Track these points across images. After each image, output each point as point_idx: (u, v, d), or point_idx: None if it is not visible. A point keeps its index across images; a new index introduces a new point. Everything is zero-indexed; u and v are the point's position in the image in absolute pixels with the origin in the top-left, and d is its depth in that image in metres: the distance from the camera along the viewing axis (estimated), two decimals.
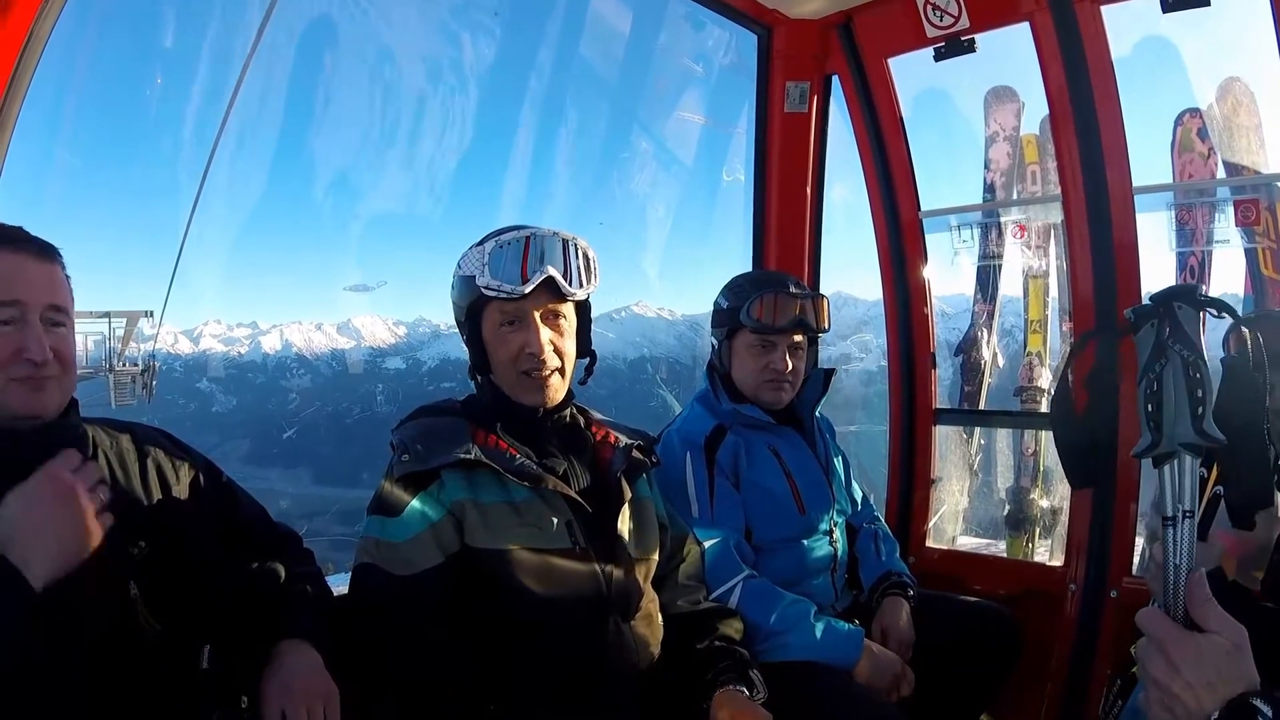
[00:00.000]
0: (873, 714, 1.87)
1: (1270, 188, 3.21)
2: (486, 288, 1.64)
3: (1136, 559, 2.60)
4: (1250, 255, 3.28)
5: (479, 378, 1.78)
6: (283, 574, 1.59)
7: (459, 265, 1.72)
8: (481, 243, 1.68)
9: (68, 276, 1.41)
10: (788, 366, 2.23)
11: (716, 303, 2.34)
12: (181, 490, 1.51)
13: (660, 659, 1.76)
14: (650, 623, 1.77)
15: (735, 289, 2.30)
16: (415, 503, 1.61)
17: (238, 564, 1.56)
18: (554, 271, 1.65)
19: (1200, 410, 1.83)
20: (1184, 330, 1.86)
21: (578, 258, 1.69)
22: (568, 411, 1.80)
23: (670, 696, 1.73)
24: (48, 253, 1.38)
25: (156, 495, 1.46)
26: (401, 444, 1.68)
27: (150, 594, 1.33)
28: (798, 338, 2.26)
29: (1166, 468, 1.81)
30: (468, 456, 1.61)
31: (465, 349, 1.79)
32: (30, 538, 1.18)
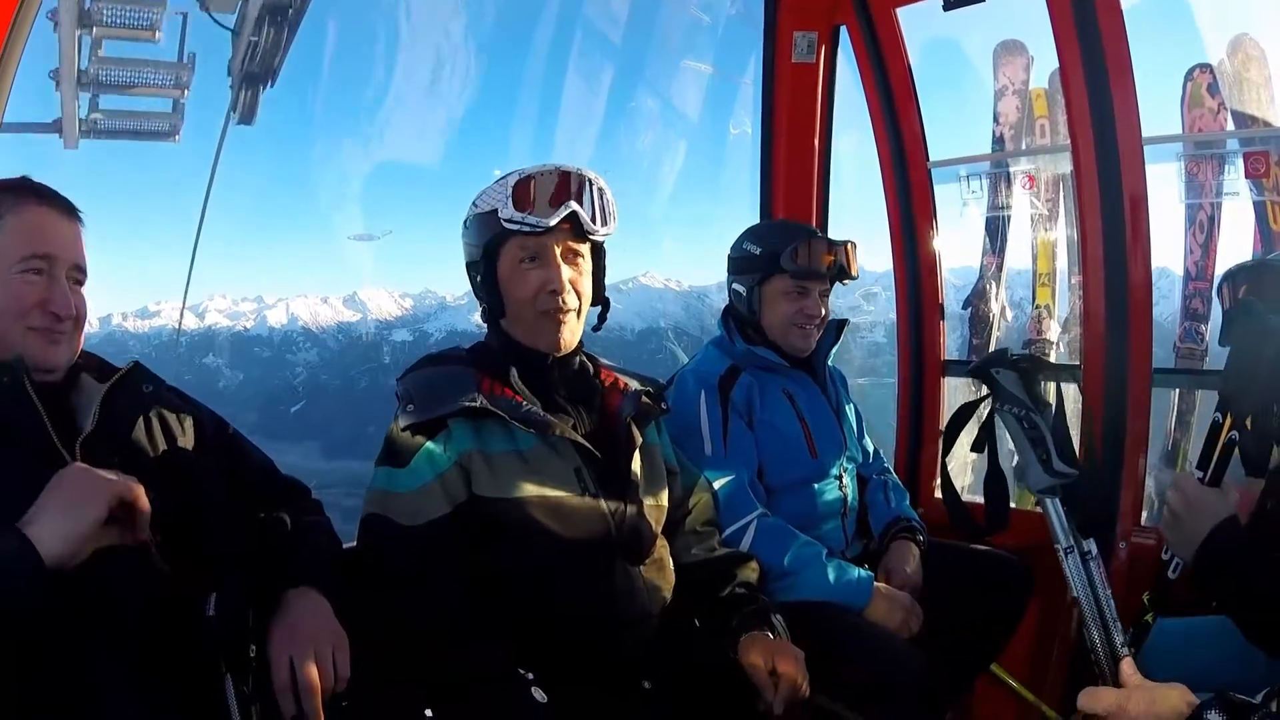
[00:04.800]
0: (887, 652, 1.88)
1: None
2: (509, 220, 1.62)
3: (1145, 512, 2.62)
4: (1259, 209, 3.26)
5: (490, 322, 1.77)
6: (290, 523, 1.58)
7: (475, 204, 1.70)
8: (504, 178, 1.65)
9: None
10: (820, 311, 2.27)
11: (744, 249, 2.33)
12: (188, 440, 1.50)
13: (673, 604, 1.76)
14: (661, 568, 1.77)
15: (766, 236, 2.31)
16: (422, 453, 1.60)
17: (246, 513, 1.55)
18: (578, 207, 1.64)
19: (1045, 455, 2.01)
20: (1008, 391, 2.06)
21: (600, 197, 1.68)
22: (577, 359, 1.78)
23: (690, 643, 1.74)
24: (72, 212, 1.40)
25: (162, 445, 1.46)
26: (407, 394, 1.67)
27: (159, 542, 1.32)
28: (826, 285, 2.30)
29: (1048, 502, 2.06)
30: (474, 405, 1.59)
31: (476, 297, 1.76)
32: (51, 520, 1.17)
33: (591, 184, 1.66)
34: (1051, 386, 2.26)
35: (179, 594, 1.32)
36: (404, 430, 1.63)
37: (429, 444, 1.60)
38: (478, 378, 1.67)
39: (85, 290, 1.42)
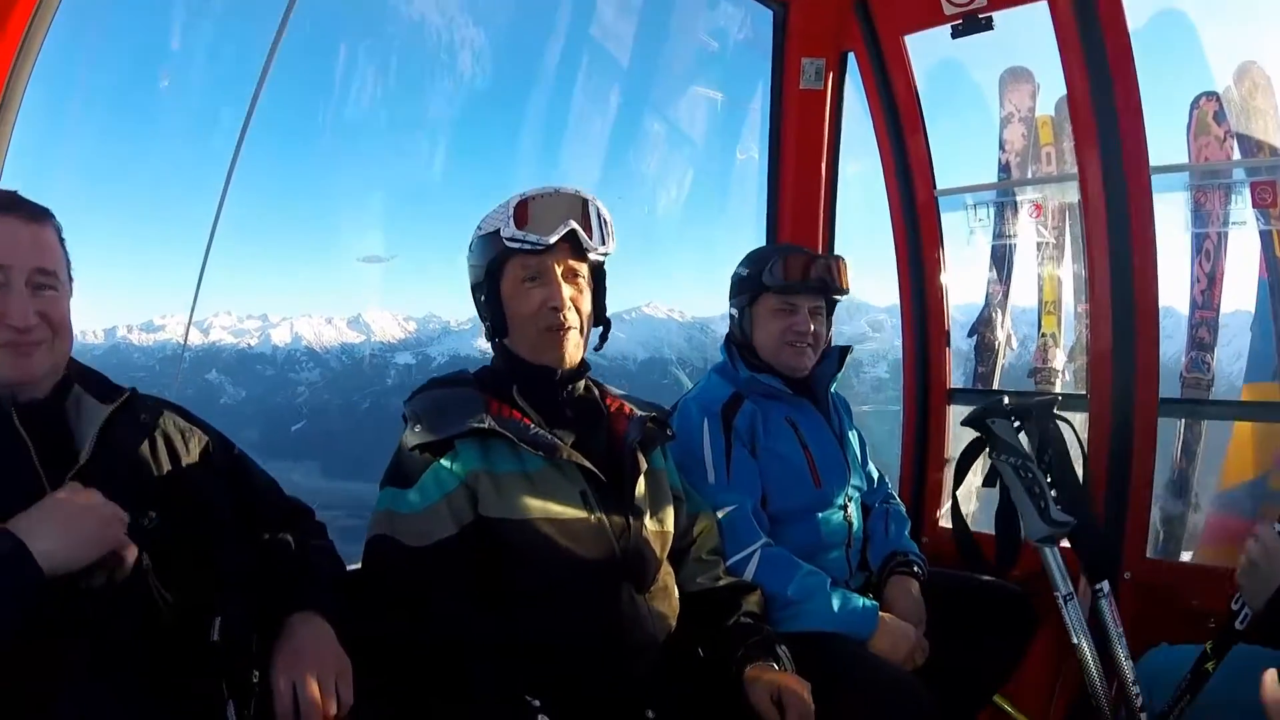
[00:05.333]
0: (892, 684, 1.85)
1: None
2: (511, 239, 1.65)
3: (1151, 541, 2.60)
4: (1265, 237, 3.27)
5: (495, 342, 1.79)
6: (294, 546, 1.57)
7: (479, 227, 1.73)
8: (505, 202, 1.69)
9: (62, 240, 1.39)
10: (810, 327, 2.25)
11: (736, 274, 2.35)
12: (192, 460, 1.49)
13: (678, 633, 1.75)
14: (667, 596, 1.76)
15: (754, 258, 2.33)
16: (429, 473, 1.60)
17: (250, 535, 1.54)
18: (577, 225, 1.68)
19: (1043, 505, 2.02)
20: (1003, 441, 2.07)
21: (599, 217, 1.72)
22: (583, 383, 1.80)
23: (693, 673, 1.72)
24: (37, 214, 1.34)
25: (166, 466, 1.44)
26: (415, 414, 1.68)
27: (161, 565, 1.31)
28: (819, 303, 2.28)
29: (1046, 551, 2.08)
30: (481, 426, 1.60)
31: (480, 317, 1.79)
32: (45, 531, 1.16)
33: (590, 204, 1.71)
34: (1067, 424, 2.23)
35: (182, 617, 1.31)
36: (412, 450, 1.63)
37: (436, 464, 1.61)
38: (485, 400, 1.69)
39: (77, 297, 1.39)
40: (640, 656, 1.66)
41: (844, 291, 2.31)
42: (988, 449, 2.18)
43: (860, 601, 2.04)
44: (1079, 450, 2.24)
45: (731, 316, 2.36)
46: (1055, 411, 2.18)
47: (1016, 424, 2.16)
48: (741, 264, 2.35)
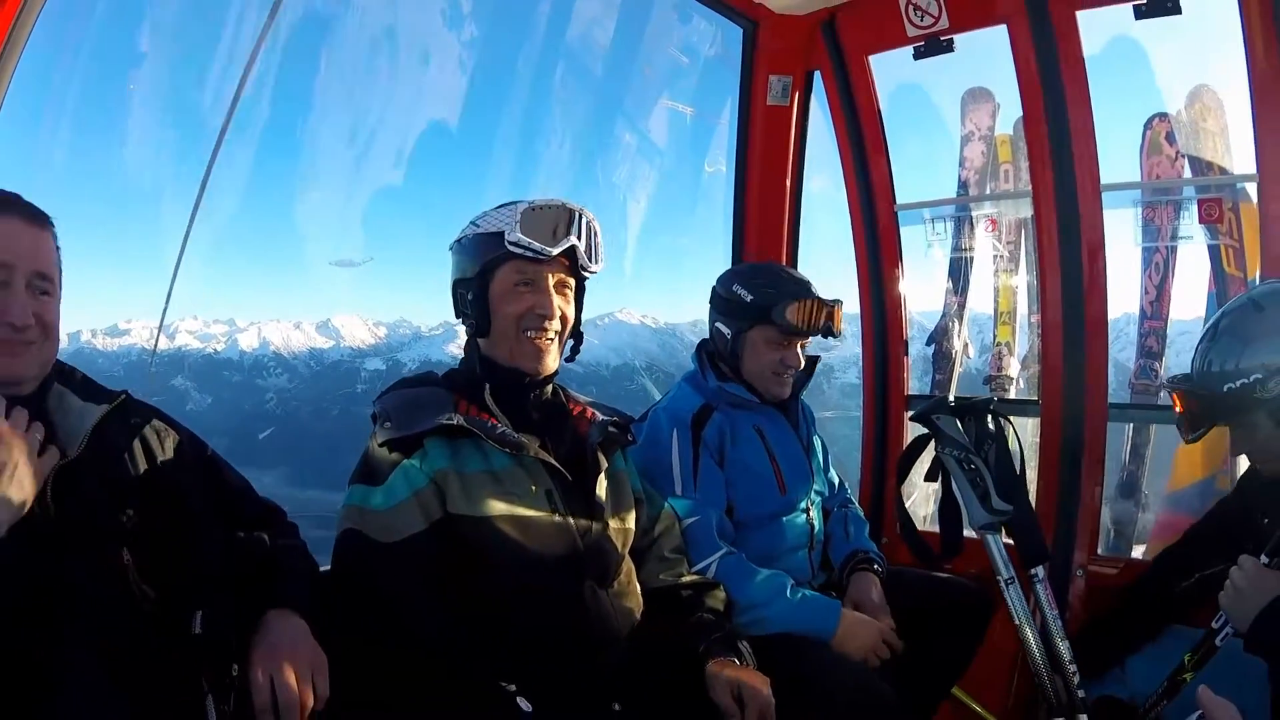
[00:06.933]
0: (854, 681, 1.90)
1: (1234, 189, 3.32)
2: (515, 244, 1.69)
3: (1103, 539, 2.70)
4: (1214, 252, 3.40)
5: (470, 342, 1.83)
6: (269, 544, 1.60)
7: (476, 224, 1.78)
8: (508, 205, 1.75)
9: (58, 247, 1.42)
10: (800, 362, 2.33)
11: (734, 292, 2.32)
12: (168, 459, 1.51)
13: (642, 629, 1.79)
14: (630, 593, 1.82)
15: (758, 284, 2.31)
16: (399, 470, 1.64)
17: (226, 533, 1.56)
18: (579, 243, 1.74)
19: (984, 494, 2.16)
20: (947, 435, 2.21)
21: (595, 237, 1.79)
22: (550, 388, 1.85)
23: (657, 668, 1.76)
24: (39, 219, 1.38)
25: (144, 464, 1.46)
26: (384, 412, 1.71)
27: (142, 561, 1.33)
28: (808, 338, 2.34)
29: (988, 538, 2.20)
30: (450, 422, 1.64)
31: (460, 314, 1.82)
32: None
33: (590, 224, 1.78)
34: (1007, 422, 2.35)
35: (162, 612, 1.33)
36: (381, 446, 1.66)
37: (405, 462, 1.64)
38: (454, 399, 1.74)
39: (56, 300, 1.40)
40: (605, 651, 1.70)
41: (838, 334, 2.37)
42: (933, 443, 2.28)
43: (822, 600, 2.11)
44: (1018, 446, 2.36)
45: (719, 332, 2.35)
46: (994, 410, 2.29)
47: (961, 421, 2.27)
48: (739, 283, 2.32)
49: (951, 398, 2.32)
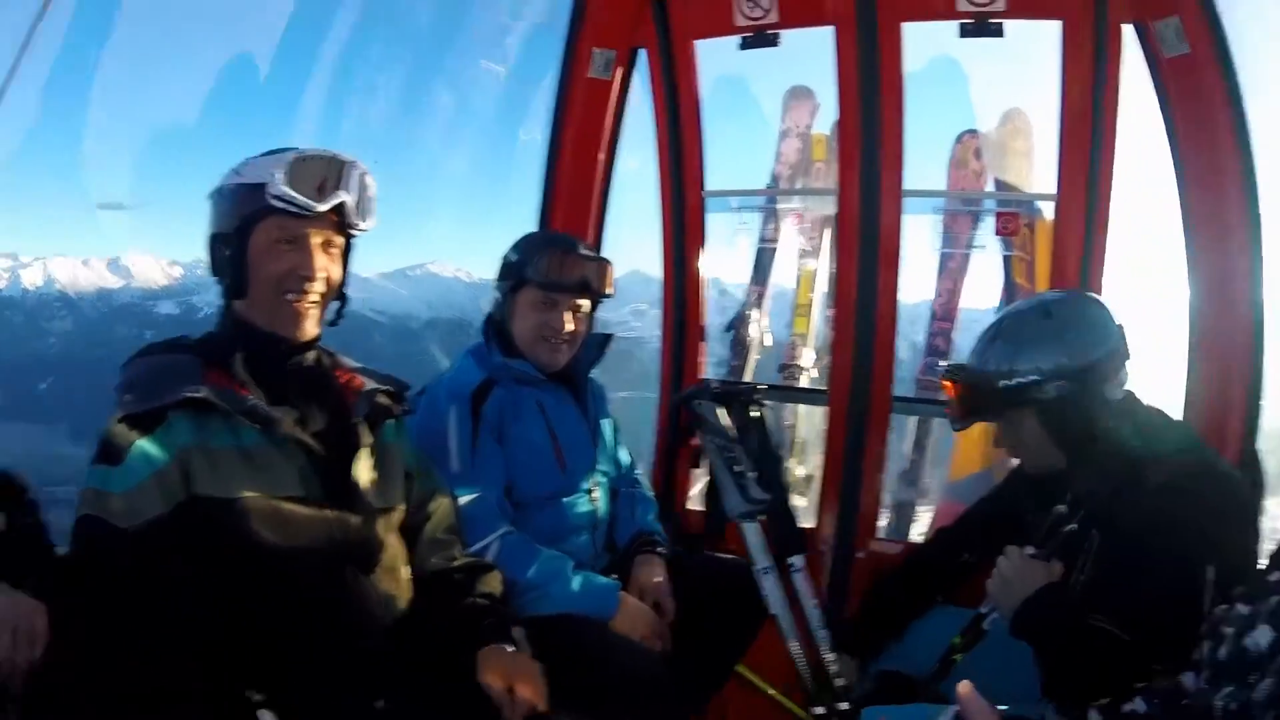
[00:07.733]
0: (632, 661, 1.92)
1: (1031, 206, 3.65)
2: (278, 197, 1.53)
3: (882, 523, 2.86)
4: (1007, 263, 3.72)
5: (224, 304, 1.66)
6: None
7: (238, 172, 1.60)
8: (274, 153, 1.58)
9: None
10: (565, 326, 2.24)
11: (505, 257, 2.30)
12: None
13: (409, 616, 1.71)
14: (395, 577, 1.72)
15: (524, 245, 2.29)
16: (138, 448, 1.48)
17: None
18: (348, 198, 1.60)
19: (743, 483, 2.30)
20: (709, 422, 2.35)
21: (366, 192, 1.65)
22: (313, 354, 1.70)
23: (428, 654, 1.69)
24: None
25: None
26: (126, 383, 1.55)
27: None
28: (581, 301, 2.27)
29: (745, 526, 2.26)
30: (196, 395, 1.50)
31: (215, 272, 1.65)
32: None
33: (363, 177, 1.63)
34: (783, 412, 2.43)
35: None
36: (120, 423, 1.50)
37: (145, 439, 1.49)
38: (204, 369, 1.57)
39: None
40: (367, 643, 1.60)
41: (606, 295, 2.32)
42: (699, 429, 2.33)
43: (602, 582, 2.11)
44: (793, 435, 2.46)
45: (496, 299, 2.32)
46: (755, 399, 2.36)
47: (728, 409, 2.33)
48: (513, 247, 2.30)
49: (713, 384, 2.36)
